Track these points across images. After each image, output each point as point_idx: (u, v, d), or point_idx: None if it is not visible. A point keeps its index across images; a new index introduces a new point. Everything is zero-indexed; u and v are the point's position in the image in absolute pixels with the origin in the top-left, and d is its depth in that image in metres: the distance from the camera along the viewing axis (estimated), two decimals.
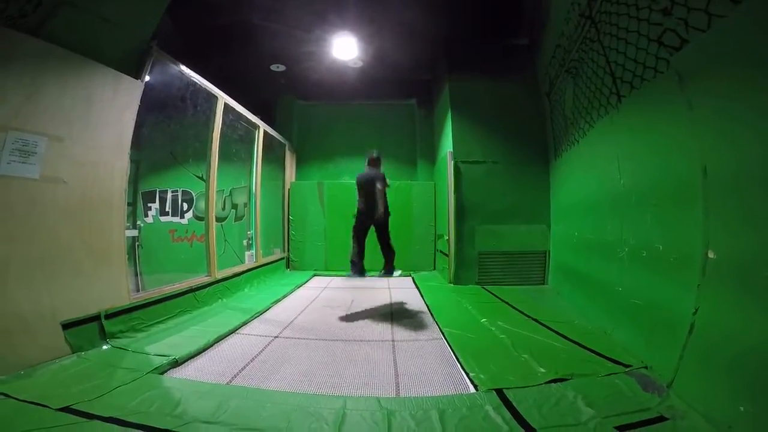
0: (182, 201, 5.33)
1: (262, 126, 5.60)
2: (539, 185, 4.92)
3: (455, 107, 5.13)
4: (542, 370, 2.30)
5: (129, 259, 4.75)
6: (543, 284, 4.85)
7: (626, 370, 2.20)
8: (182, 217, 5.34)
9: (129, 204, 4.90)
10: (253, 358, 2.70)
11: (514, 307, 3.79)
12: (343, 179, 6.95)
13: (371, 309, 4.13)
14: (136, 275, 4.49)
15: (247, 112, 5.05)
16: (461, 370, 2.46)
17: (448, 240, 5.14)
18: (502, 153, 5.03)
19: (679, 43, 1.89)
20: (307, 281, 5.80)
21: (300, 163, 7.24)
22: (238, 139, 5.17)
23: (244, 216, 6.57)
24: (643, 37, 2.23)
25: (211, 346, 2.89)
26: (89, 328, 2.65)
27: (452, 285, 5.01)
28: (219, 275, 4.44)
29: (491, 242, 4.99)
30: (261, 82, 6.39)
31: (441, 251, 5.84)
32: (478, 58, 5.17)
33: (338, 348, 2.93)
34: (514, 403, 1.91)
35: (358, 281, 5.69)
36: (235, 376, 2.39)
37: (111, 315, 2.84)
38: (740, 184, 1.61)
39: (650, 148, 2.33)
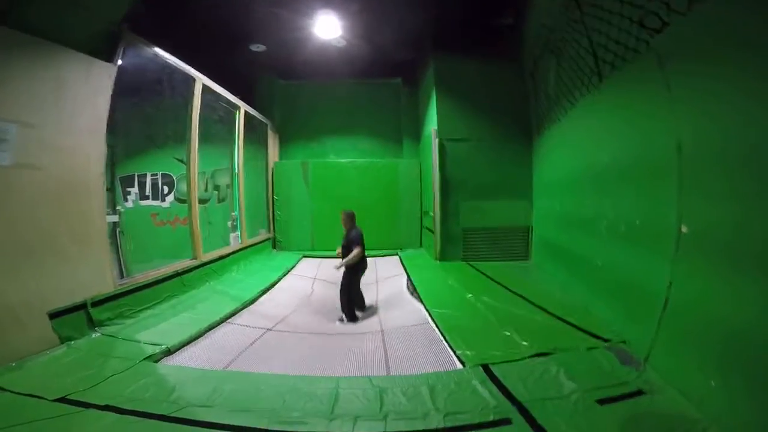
0: (162, 184, 5.17)
1: (243, 106, 5.40)
2: (522, 162, 4.99)
3: (440, 85, 5.07)
4: (525, 343, 2.43)
5: (111, 245, 4.66)
6: (526, 260, 5.02)
7: (605, 344, 2.34)
8: (163, 200, 5.20)
9: (107, 189, 4.75)
10: (247, 348, 2.74)
11: (498, 283, 3.92)
12: (328, 158, 6.85)
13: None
14: (120, 262, 4.40)
15: (227, 92, 4.85)
16: (448, 348, 2.56)
17: (433, 217, 5.21)
18: (487, 130, 5.05)
19: (660, 25, 1.91)
20: (295, 265, 5.78)
21: (283, 143, 7.07)
22: (218, 120, 4.99)
23: (227, 197, 6.45)
24: (626, 18, 2.24)
25: (203, 334, 2.91)
26: (77, 317, 2.62)
27: (438, 262, 5.13)
28: (205, 258, 4.40)
29: (475, 218, 5.09)
30: (241, 63, 6.11)
31: (427, 228, 5.92)
32: (463, 37, 5.07)
33: (331, 340, 3.01)
34: (500, 378, 2.03)
35: None
36: (230, 364, 2.44)
37: (97, 302, 2.81)
38: (713, 161, 1.68)
39: (630, 125, 2.39)
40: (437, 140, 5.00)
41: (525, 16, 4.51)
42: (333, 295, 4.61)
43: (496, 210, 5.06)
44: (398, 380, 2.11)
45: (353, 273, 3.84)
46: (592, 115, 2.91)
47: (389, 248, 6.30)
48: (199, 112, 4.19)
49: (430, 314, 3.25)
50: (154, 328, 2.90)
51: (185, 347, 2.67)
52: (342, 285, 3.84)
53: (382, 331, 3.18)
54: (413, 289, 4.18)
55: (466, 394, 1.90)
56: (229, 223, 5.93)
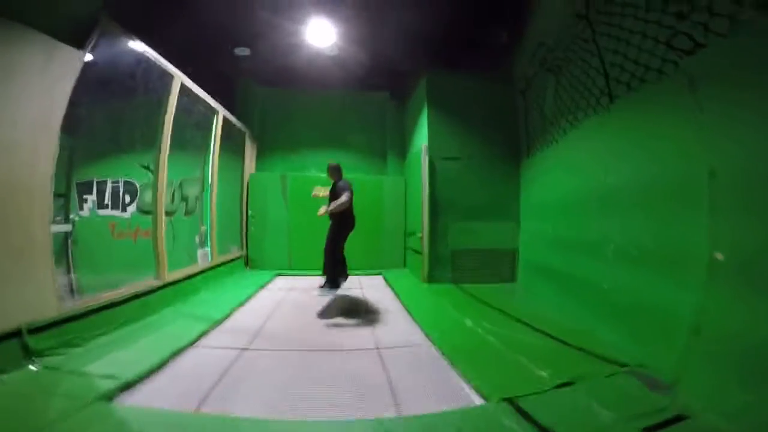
0: (124, 192, 4.61)
1: (222, 111, 5.04)
2: (510, 182, 5.00)
3: (432, 101, 5.03)
4: (543, 373, 2.25)
5: (61, 258, 4.03)
6: (513, 282, 4.94)
7: (623, 369, 2.22)
8: (124, 210, 4.62)
9: (61, 195, 4.15)
10: (222, 376, 2.32)
11: (492, 306, 3.77)
12: (308, 172, 6.55)
13: (345, 312, 3.87)
14: (70, 278, 3.79)
15: (206, 95, 4.50)
16: (458, 377, 2.33)
17: (421, 238, 5.04)
18: (477, 149, 5.03)
19: (692, 47, 1.91)
20: (269, 281, 5.35)
21: (261, 153, 6.69)
22: (193, 124, 4.59)
23: (195, 210, 5.92)
24: (649, 39, 2.25)
25: (167, 362, 2.45)
26: (8, 347, 2.10)
27: (426, 284, 4.91)
28: (170, 277, 3.88)
29: (464, 240, 4.98)
30: (222, 66, 5.78)
31: (413, 249, 5.73)
32: (457, 54, 5.12)
33: (319, 360, 2.65)
34: (531, 413, 1.81)
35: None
36: (204, 401, 2.02)
37: (37, 329, 2.28)
38: (750, 189, 1.64)
39: (645, 149, 2.37)
40: (427, 158, 4.91)
41: (518, 35, 4.60)
42: (308, 297, 4.42)
43: (485, 232, 4.99)
44: (414, 423, 1.82)
45: (340, 227, 3.65)
46: (599, 137, 2.91)
47: (373, 268, 6.01)
48: (173, 114, 3.80)
49: (427, 336, 3.04)
50: (108, 357, 2.41)
51: (147, 379, 2.21)
52: (327, 241, 3.60)
53: (378, 349, 2.87)
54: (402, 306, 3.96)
55: None
56: (197, 239, 5.41)
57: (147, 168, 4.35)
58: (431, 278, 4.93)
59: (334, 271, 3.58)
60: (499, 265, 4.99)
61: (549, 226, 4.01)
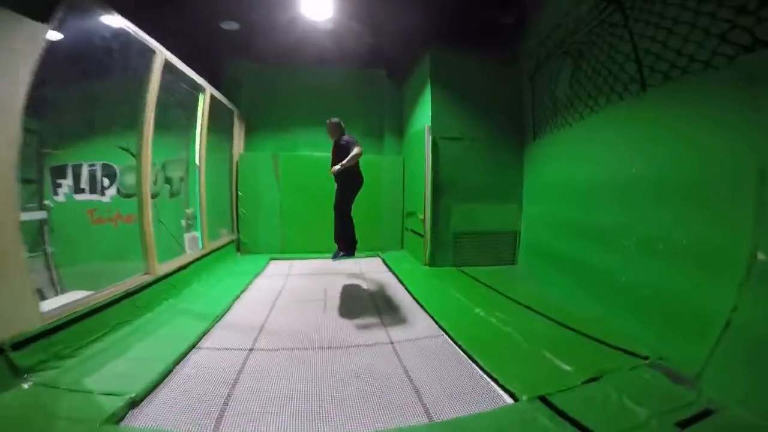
0: (102, 176, 4.20)
1: (209, 89, 4.60)
2: (513, 164, 4.90)
3: (435, 79, 4.76)
4: (567, 367, 2.23)
5: (37, 248, 3.68)
6: (513, 264, 4.94)
7: (646, 362, 2.22)
8: (103, 194, 4.23)
9: (31, 181, 3.72)
10: (233, 384, 2.17)
11: (500, 293, 3.74)
12: (300, 151, 6.21)
13: (350, 301, 3.76)
14: (50, 271, 3.49)
15: (192, 71, 4.05)
16: (482, 374, 2.28)
17: (423, 220, 4.91)
18: (480, 130, 4.86)
19: (752, 43, 1.77)
20: (264, 268, 5.15)
21: (250, 132, 6.25)
22: (176, 103, 4.16)
23: (180, 192, 5.55)
24: (699, 29, 2.08)
25: (172, 370, 2.28)
26: None
27: (428, 267, 4.85)
28: (160, 271, 3.62)
29: (466, 222, 4.90)
30: (208, 41, 5.22)
31: (412, 230, 5.61)
32: (461, 31, 4.78)
33: (332, 358, 2.53)
34: (566, 411, 1.78)
35: (326, 265, 5.25)
36: (221, 419, 1.87)
37: (21, 344, 2.05)
38: None
39: (682, 142, 2.26)
40: (430, 138, 4.69)
41: (529, 15, 4.34)
42: (307, 284, 4.35)
43: (487, 214, 4.91)
44: (451, 428, 1.76)
45: (349, 186, 3.47)
46: (625, 125, 2.77)
47: (369, 249, 5.88)
48: (156, 92, 3.39)
49: (441, 327, 2.98)
50: (106, 369, 2.21)
51: (153, 393, 2.05)
52: (336, 203, 3.46)
53: (392, 343, 2.79)
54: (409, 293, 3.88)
55: None
56: (184, 222, 5.09)
57: (126, 150, 3.94)
58: (433, 262, 4.86)
59: (348, 235, 3.40)
60: (500, 248, 4.96)
61: (557, 211, 3.95)
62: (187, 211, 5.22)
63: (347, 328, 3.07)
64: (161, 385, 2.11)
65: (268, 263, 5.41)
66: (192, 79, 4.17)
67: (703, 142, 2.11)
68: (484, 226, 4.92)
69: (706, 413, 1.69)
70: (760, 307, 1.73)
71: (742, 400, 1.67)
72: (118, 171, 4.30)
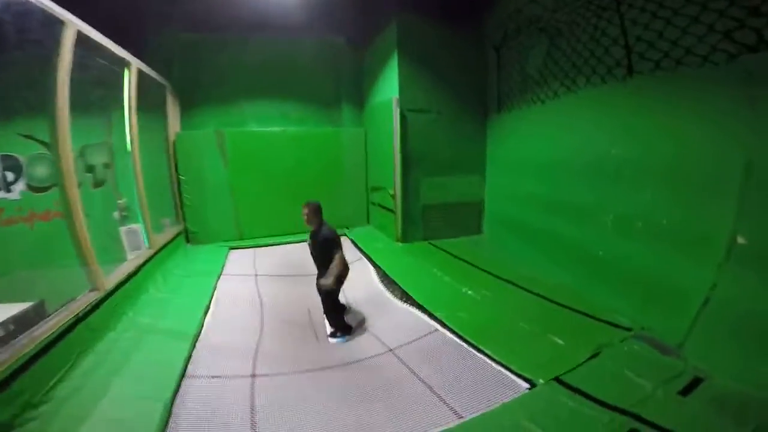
0: (4, 169, 3.27)
1: (135, 63, 3.72)
2: (476, 137, 4.97)
3: (403, 49, 4.45)
4: (565, 344, 2.45)
5: None
6: (479, 233, 5.18)
7: (631, 334, 2.48)
8: (9, 190, 3.35)
9: None
10: (252, 421, 1.98)
11: (479, 268, 3.88)
12: (248, 126, 5.52)
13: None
14: None
15: (113, 44, 3.20)
16: (489, 362, 2.39)
17: (393, 195, 4.83)
18: (446, 102, 4.77)
19: (756, 42, 1.89)
20: (225, 261, 4.68)
21: (188, 109, 5.32)
22: (93, 81, 3.30)
23: (106, 180, 4.66)
24: (702, 24, 2.15)
25: (172, 409, 2.00)
26: None
27: (400, 244, 4.87)
28: (109, 283, 3.06)
29: (435, 195, 4.94)
30: (127, 10, 4.12)
31: (379, 205, 5.51)
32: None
33: (342, 374, 2.49)
34: (583, 388, 1.98)
35: (294, 255, 4.95)
36: None
37: None
38: None
39: (669, 128, 2.44)
40: (398, 110, 4.48)
41: None
42: (281, 286, 4.12)
43: (453, 185, 4.99)
44: (485, 422, 1.87)
45: (338, 284, 3.17)
46: (607, 106, 2.90)
47: (336, 225, 5.67)
48: (69, 70, 2.62)
49: (436, 319, 2.99)
50: (97, 415, 1.87)
51: None
52: (325, 302, 3.18)
53: (392, 350, 2.79)
54: (391, 286, 3.84)
55: (565, 413, 1.82)
56: (117, 214, 4.34)
57: (31, 138, 3.09)
58: (405, 237, 4.89)
59: (342, 317, 3.23)
60: (466, 218, 5.14)
61: (522, 183, 4.13)
62: (119, 201, 4.44)
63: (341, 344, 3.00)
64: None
65: (228, 254, 4.92)
66: (113, 53, 3.32)
67: (690, 133, 2.31)
68: (450, 197, 5.02)
69: (696, 381, 1.97)
70: (738, 286, 2.04)
71: (724, 369, 1.97)
72: (23, 163, 3.39)
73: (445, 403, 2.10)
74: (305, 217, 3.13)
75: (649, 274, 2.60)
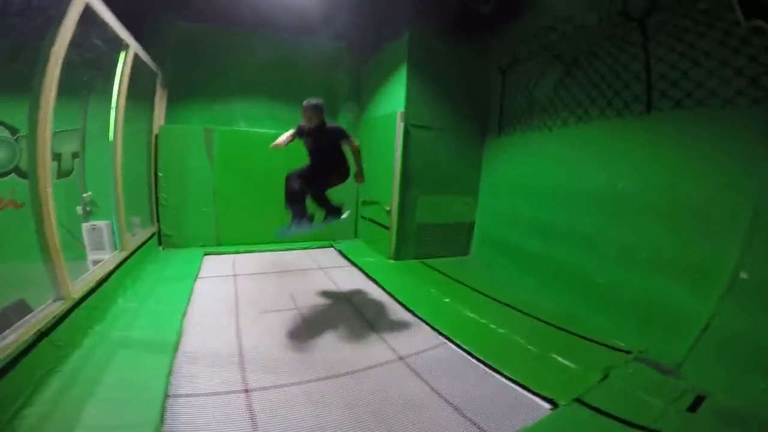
0: None
1: (134, 46, 3.41)
2: (473, 157, 5.05)
3: (413, 63, 4.44)
4: (575, 366, 2.47)
5: None
6: (466, 255, 5.19)
7: (631, 356, 2.57)
8: None
9: None
10: None
11: (478, 291, 3.82)
12: (237, 126, 5.24)
13: (327, 309, 3.45)
14: None
15: (118, 23, 2.93)
16: (507, 382, 2.35)
17: (389, 211, 4.75)
18: (447, 120, 4.80)
19: None
20: (200, 268, 4.31)
21: (174, 101, 4.94)
22: (80, 62, 2.97)
23: (73, 171, 4.18)
24: (728, 66, 2.28)
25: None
26: None
27: (393, 261, 4.76)
28: (76, 292, 2.65)
29: (430, 213, 4.90)
30: None
31: (371, 220, 5.40)
32: (440, 14, 4.53)
33: (350, 382, 2.30)
34: (602, 408, 1.99)
35: (275, 259, 4.70)
36: None
37: None
38: None
39: (682, 168, 2.58)
40: (402, 125, 4.46)
41: (511, 9, 4.27)
42: (265, 286, 3.92)
43: (448, 205, 5.00)
44: None
45: (341, 176, 3.44)
46: (620, 140, 3.01)
47: (321, 239, 5.48)
48: (66, 44, 2.32)
49: (442, 334, 2.94)
50: None
51: None
52: (318, 188, 3.34)
53: (401, 358, 2.67)
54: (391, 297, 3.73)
55: None
56: (80, 209, 3.89)
57: None
58: (398, 255, 4.79)
59: (331, 204, 3.51)
60: (457, 239, 5.15)
61: (522, 207, 4.17)
62: (84, 195, 3.98)
63: (344, 347, 2.79)
64: None
65: (202, 260, 4.55)
66: (115, 33, 3.02)
67: (703, 172, 2.45)
68: (445, 218, 5.02)
69: (700, 399, 2.07)
70: (738, 316, 2.18)
71: (723, 387, 2.09)
72: None
73: (470, 421, 2.00)
74: (306, 117, 3.06)
75: (649, 302, 2.71)
